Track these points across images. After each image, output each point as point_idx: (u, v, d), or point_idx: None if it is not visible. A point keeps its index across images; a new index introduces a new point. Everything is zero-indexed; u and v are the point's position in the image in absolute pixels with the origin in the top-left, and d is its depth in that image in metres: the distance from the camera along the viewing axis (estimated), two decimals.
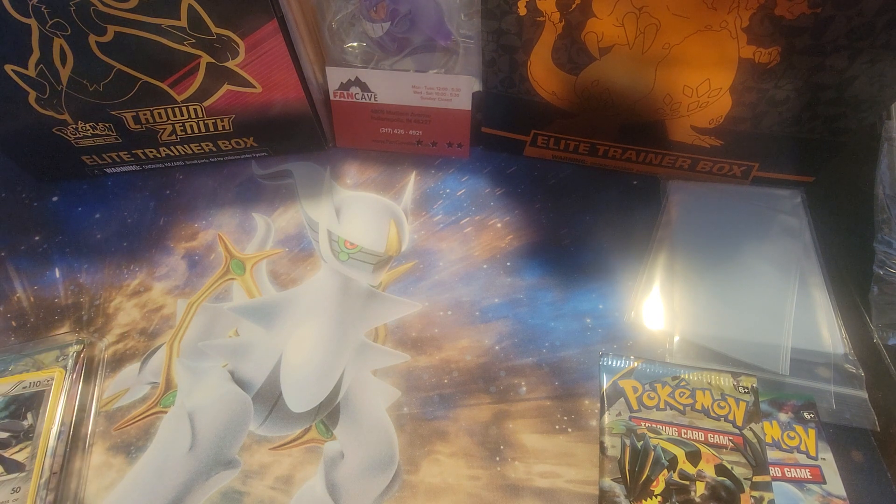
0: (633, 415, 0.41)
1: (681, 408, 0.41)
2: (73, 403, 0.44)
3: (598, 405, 0.43)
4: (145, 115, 0.52)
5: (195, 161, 0.59)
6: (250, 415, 0.45)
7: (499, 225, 0.54)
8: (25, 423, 0.42)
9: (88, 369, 0.46)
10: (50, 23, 0.44)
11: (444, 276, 0.51)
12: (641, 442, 0.40)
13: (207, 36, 0.46)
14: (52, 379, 0.44)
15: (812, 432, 0.41)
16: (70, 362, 0.45)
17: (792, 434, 0.41)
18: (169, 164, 0.58)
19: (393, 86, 0.54)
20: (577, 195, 0.56)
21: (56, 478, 0.41)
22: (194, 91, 0.50)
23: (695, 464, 0.39)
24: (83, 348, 0.46)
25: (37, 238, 0.56)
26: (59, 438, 0.42)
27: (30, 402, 0.43)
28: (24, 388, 0.44)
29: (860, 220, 0.52)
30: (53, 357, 0.45)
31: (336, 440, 0.44)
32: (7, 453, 0.41)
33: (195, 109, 0.52)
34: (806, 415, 0.42)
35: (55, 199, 0.58)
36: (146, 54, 0.47)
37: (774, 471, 0.39)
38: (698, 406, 0.41)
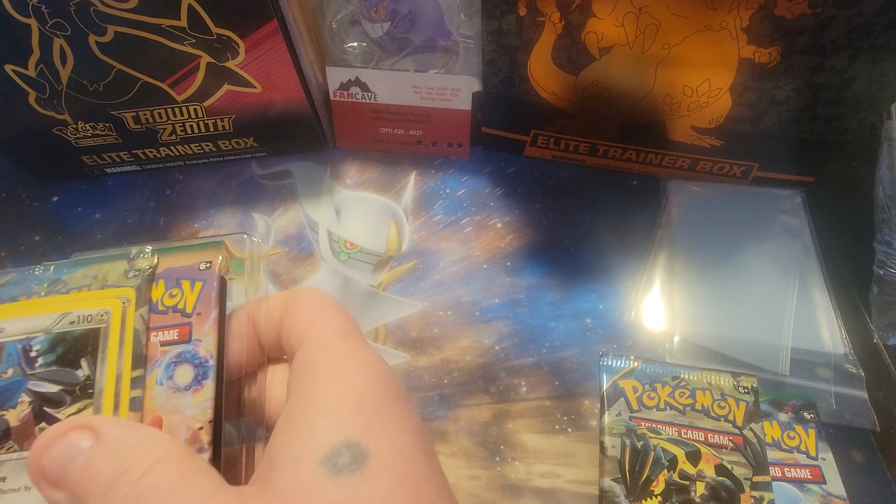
0: (633, 415, 0.41)
1: (681, 408, 0.41)
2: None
3: (598, 405, 0.43)
4: (145, 115, 0.52)
5: (195, 161, 0.58)
6: None
7: (499, 225, 0.54)
8: (80, 374, 0.27)
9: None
10: (50, 23, 0.44)
11: (444, 276, 0.51)
12: (641, 442, 0.40)
13: (207, 36, 0.46)
14: (109, 312, 0.28)
15: (812, 432, 0.41)
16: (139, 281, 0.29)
17: (792, 434, 0.41)
18: (169, 164, 0.58)
19: (393, 86, 0.54)
20: (577, 195, 0.56)
21: None
22: (194, 91, 0.50)
23: (695, 464, 0.39)
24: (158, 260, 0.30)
25: (37, 238, 0.56)
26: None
27: (82, 346, 0.27)
28: (71, 322, 0.28)
29: (860, 220, 0.52)
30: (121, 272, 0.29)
31: None
32: (61, 414, 0.26)
33: (195, 109, 0.52)
34: (806, 415, 0.42)
35: (55, 199, 0.58)
36: (146, 54, 0.47)
37: (774, 471, 0.39)
38: (698, 406, 0.41)
